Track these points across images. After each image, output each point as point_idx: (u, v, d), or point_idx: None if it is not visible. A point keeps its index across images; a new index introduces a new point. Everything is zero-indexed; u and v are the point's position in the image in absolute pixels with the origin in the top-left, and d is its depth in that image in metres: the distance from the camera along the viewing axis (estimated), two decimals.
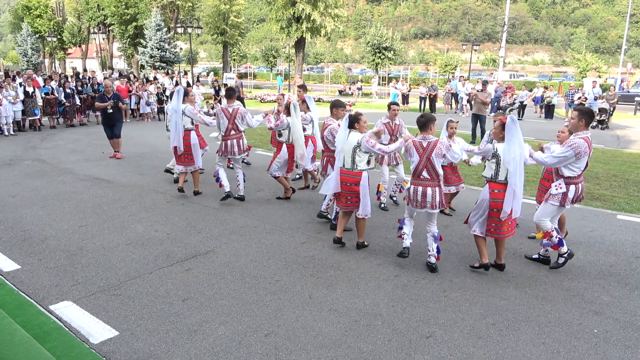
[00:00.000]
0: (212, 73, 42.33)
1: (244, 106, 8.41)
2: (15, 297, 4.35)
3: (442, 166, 5.13)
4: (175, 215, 6.82)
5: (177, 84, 20.69)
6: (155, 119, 18.46)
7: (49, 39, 43.80)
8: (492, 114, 20.01)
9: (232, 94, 7.32)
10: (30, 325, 3.85)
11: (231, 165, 8.67)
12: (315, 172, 8.07)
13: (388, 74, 42.94)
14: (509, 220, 4.82)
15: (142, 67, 35.25)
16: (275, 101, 8.10)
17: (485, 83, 15.63)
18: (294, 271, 5.04)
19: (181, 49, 43.97)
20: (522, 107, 22.42)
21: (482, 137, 13.07)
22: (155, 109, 18.63)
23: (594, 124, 19.03)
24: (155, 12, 33.63)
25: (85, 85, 17.18)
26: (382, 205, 7.31)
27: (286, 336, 3.83)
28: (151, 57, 33.26)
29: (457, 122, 7.06)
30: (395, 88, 24.95)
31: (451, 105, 24.89)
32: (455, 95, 24.47)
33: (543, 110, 23.15)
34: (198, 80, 26.19)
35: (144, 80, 20.75)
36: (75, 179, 8.88)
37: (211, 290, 4.56)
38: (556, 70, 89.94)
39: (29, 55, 42.86)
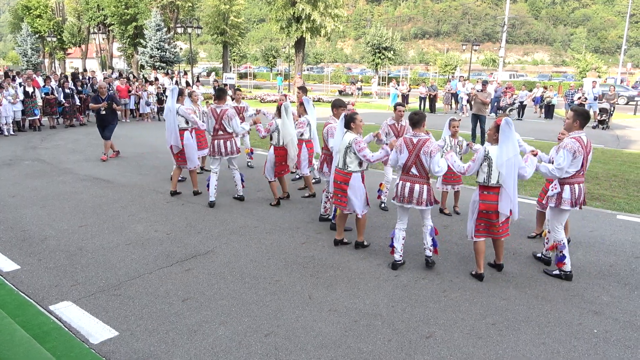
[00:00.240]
0: (213, 73, 42.29)
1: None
2: (15, 297, 4.34)
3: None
4: (175, 216, 6.82)
5: (176, 84, 20.69)
6: (155, 119, 18.46)
7: (48, 39, 43.79)
8: (492, 114, 20.05)
9: (223, 95, 7.28)
10: (30, 325, 3.85)
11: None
12: (312, 178, 7.96)
13: (388, 74, 42.93)
14: (501, 222, 4.78)
15: (142, 67, 35.26)
16: (275, 102, 8.04)
17: (485, 83, 15.61)
18: (293, 271, 5.04)
19: (181, 49, 43.97)
20: (522, 107, 22.43)
21: (482, 137, 13.09)
22: (155, 109, 18.63)
23: (594, 123, 19.05)
24: (155, 12, 33.63)
25: (85, 86, 17.19)
26: (383, 205, 7.29)
27: (286, 336, 3.83)
28: (151, 57, 33.26)
29: (460, 120, 7.06)
30: (396, 88, 24.95)
31: (451, 105, 24.90)
32: (455, 95, 24.48)
33: (543, 110, 23.16)
34: (198, 80, 26.19)
35: (144, 80, 20.75)
36: (75, 179, 8.88)
37: (211, 291, 4.56)
38: (556, 70, 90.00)
39: (29, 56, 42.87)
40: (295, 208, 7.30)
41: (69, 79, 16.98)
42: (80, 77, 18.74)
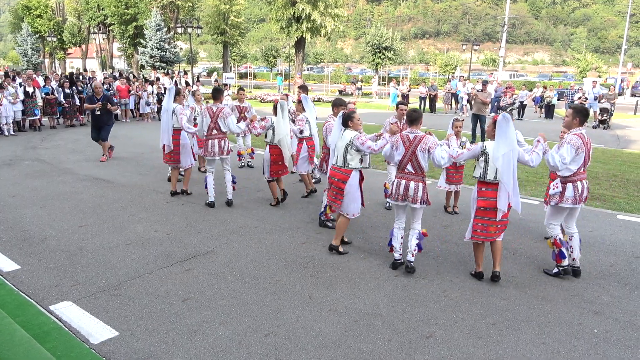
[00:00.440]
0: (215, 73, 42.16)
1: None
2: (15, 297, 4.34)
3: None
4: (175, 215, 6.82)
5: (176, 84, 20.69)
6: (155, 119, 18.44)
7: (49, 39, 43.80)
8: (492, 114, 20.04)
9: (218, 94, 7.28)
10: (30, 325, 3.85)
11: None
12: (309, 177, 7.93)
13: (388, 74, 42.93)
14: (498, 224, 4.71)
15: (142, 67, 35.26)
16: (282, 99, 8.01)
17: (485, 83, 15.63)
18: (293, 271, 5.04)
19: (181, 49, 43.97)
20: (522, 107, 22.43)
21: (482, 137, 13.09)
22: (155, 109, 18.63)
23: (595, 123, 19.05)
24: (155, 12, 33.64)
25: (86, 86, 17.19)
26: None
27: (286, 336, 3.83)
28: (151, 57, 33.27)
29: (463, 120, 7.07)
30: (396, 88, 24.95)
31: (451, 105, 24.89)
32: (455, 95, 24.47)
33: (543, 110, 23.16)
34: (198, 80, 26.20)
35: (144, 80, 20.75)
36: (75, 179, 8.88)
37: (211, 291, 4.56)
38: (556, 70, 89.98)
39: (29, 55, 42.90)
40: (295, 208, 7.30)
41: (65, 80, 16.97)
42: (80, 77, 18.75)
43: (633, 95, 32.01)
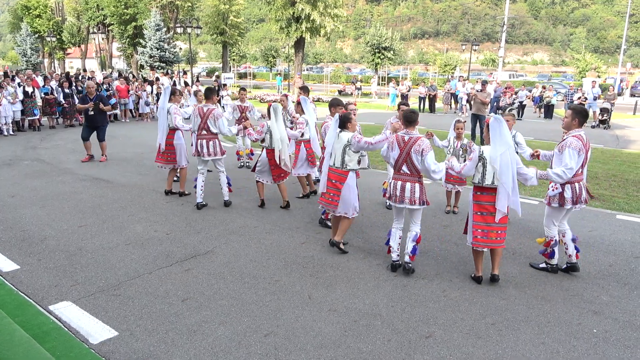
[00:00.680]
0: (216, 74, 42.11)
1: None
2: (14, 297, 4.34)
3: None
4: (175, 215, 6.82)
5: (175, 84, 20.67)
6: (155, 119, 18.43)
7: (48, 38, 43.75)
8: (492, 114, 20.04)
9: (211, 94, 7.23)
10: (29, 325, 3.84)
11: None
12: (309, 179, 7.91)
13: (387, 74, 42.92)
14: (498, 229, 4.68)
15: (142, 67, 35.26)
16: (275, 102, 7.99)
17: (484, 83, 15.62)
18: (293, 271, 5.04)
19: (180, 49, 43.98)
20: (522, 107, 22.43)
21: (481, 137, 13.08)
22: (155, 109, 18.61)
23: (595, 123, 19.05)
24: (155, 12, 33.65)
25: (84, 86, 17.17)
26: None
27: (286, 336, 3.83)
28: (150, 57, 33.28)
29: (465, 122, 7.07)
30: (395, 88, 24.95)
31: (450, 105, 24.89)
32: (454, 95, 24.48)
33: (542, 110, 23.17)
34: (198, 80, 26.18)
35: (143, 80, 20.74)
36: (74, 179, 8.88)
37: (211, 291, 4.56)
38: (555, 70, 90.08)
39: (28, 55, 42.84)
40: (295, 208, 7.30)
41: (64, 80, 16.94)
42: (79, 77, 18.74)
43: (632, 95, 32.24)
